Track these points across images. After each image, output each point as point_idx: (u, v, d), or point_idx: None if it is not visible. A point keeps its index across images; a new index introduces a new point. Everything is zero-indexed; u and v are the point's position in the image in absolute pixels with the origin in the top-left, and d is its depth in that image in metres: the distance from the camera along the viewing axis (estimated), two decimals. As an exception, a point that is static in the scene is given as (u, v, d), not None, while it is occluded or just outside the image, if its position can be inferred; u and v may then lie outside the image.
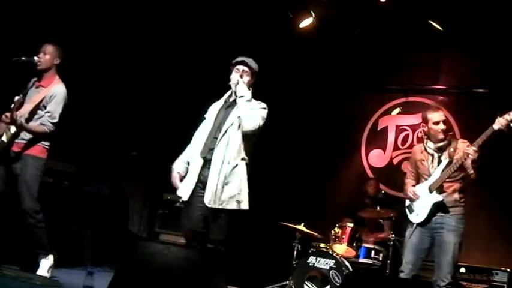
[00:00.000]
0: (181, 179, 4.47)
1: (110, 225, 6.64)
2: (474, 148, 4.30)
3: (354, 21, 7.24)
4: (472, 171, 4.49)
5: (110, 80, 7.00)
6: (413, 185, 4.81)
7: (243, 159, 4.38)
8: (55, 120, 4.84)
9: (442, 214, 4.56)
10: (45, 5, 6.20)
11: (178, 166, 4.52)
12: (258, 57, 4.63)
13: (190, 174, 4.40)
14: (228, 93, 4.62)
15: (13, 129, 4.75)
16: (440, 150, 4.67)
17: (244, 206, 4.34)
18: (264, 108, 4.48)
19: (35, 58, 4.82)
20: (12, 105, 4.62)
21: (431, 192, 4.59)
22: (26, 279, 4.46)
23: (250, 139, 4.42)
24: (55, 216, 4.93)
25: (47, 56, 4.91)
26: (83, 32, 6.53)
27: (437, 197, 4.55)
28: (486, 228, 6.56)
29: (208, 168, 4.32)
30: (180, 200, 4.39)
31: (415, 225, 4.67)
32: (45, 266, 4.82)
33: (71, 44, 5.30)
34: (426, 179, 4.68)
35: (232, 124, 4.38)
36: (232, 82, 4.46)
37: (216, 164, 4.29)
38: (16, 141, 4.79)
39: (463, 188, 4.62)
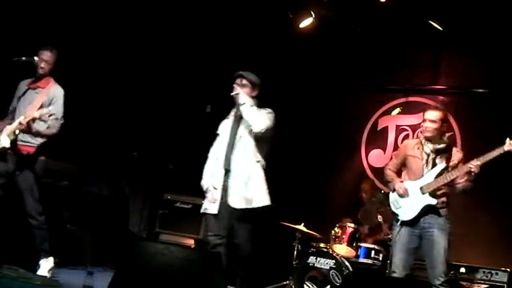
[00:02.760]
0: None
1: (110, 225, 6.64)
2: (479, 163, 4.37)
3: (354, 21, 7.23)
4: (465, 182, 4.53)
5: (110, 81, 7.00)
6: (400, 181, 4.82)
7: (258, 161, 4.70)
8: (62, 121, 4.91)
9: (432, 215, 4.62)
10: (45, 5, 6.20)
11: (208, 181, 4.75)
12: (258, 58, 4.66)
13: (215, 186, 4.68)
14: (234, 108, 4.87)
15: (17, 132, 4.76)
16: (437, 152, 4.70)
17: (265, 202, 4.66)
18: (270, 113, 4.74)
19: (35, 58, 4.83)
20: (28, 118, 4.67)
21: (423, 193, 4.62)
22: (26, 280, 4.46)
23: (263, 142, 4.72)
24: (55, 216, 4.93)
25: (49, 63, 4.96)
26: (83, 32, 6.53)
27: (431, 200, 4.60)
28: (486, 228, 6.54)
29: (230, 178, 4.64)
30: (208, 212, 4.66)
31: (400, 222, 4.71)
32: (45, 267, 4.83)
33: (72, 44, 5.30)
34: (416, 178, 4.70)
35: (244, 131, 4.69)
36: (233, 93, 4.75)
37: (236, 170, 4.63)
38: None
39: (450, 192, 4.70)
